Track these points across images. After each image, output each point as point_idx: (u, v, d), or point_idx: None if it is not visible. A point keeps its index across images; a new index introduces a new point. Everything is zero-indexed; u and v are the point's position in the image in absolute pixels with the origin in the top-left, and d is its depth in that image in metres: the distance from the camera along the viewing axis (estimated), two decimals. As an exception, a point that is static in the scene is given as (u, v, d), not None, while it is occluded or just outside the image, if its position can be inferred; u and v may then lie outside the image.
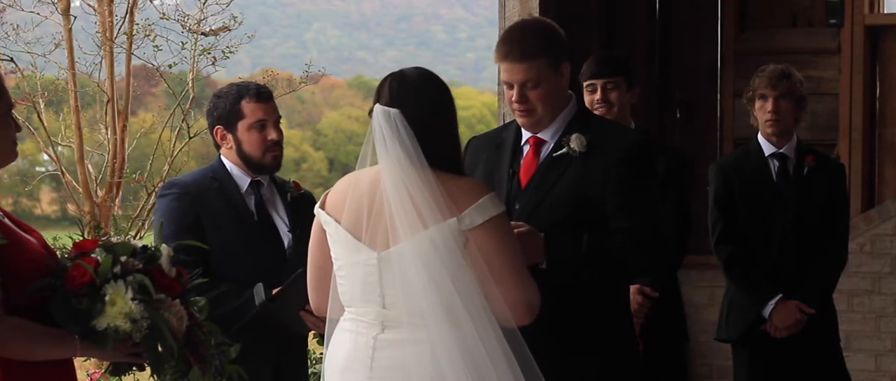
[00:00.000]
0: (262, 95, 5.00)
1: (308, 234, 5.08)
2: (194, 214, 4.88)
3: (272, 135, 4.98)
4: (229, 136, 4.99)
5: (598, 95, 6.09)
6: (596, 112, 6.04)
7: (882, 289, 8.04)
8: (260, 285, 4.80)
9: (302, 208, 5.09)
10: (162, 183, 5.57)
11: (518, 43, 4.30)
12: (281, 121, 5.07)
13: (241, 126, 4.97)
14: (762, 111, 6.16)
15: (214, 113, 5.03)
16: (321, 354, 7.35)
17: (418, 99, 3.87)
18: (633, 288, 5.92)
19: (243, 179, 5.00)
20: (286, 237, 5.01)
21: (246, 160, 4.99)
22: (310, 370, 7.56)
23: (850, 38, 8.43)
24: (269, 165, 5.00)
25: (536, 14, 6.93)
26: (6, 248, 3.71)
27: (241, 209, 4.96)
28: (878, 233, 8.04)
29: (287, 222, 5.04)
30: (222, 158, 5.04)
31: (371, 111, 3.88)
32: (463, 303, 3.76)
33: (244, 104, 4.96)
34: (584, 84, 6.15)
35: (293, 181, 5.18)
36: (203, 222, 4.87)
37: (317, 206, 4.03)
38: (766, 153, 6.22)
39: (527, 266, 3.89)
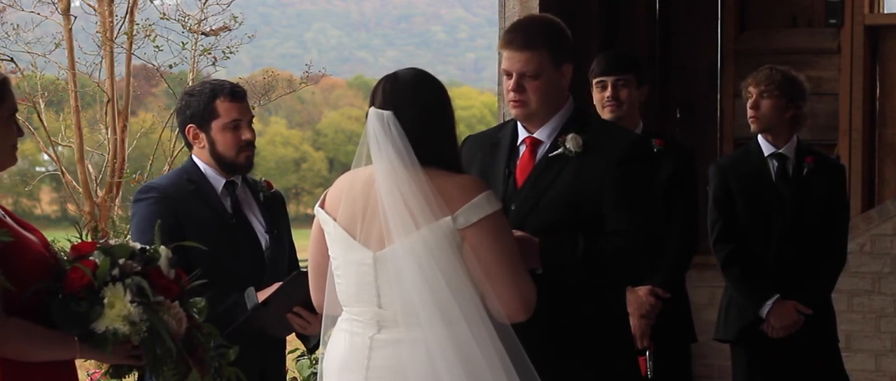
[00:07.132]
0: (237, 94, 4.93)
1: (283, 234, 5.07)
2: (174, 217, 4.78)
3: (246, 135, 4.91)
4: (202, 135, 4.92)
5: (608, 93, 6.01)
6: (605, 110, 6.01)
7: (882, 289, 8.03)
8: (251, 288, 4.76)
9: (274, 207, 5.07)
10: (138, 187, 5.42)
11: (523, 32, 4.31)
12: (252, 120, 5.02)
13: (216, 126, 4.90)
14: (747, 108, 6.19)
15: (187, 112, 4.94)
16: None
17: (412, 101, 3.87)
18: (644, 289, 5.88)
19: (218, 180, 4.94)
20: (264, 238, 4.97)
21: (219, 160, 4.92)
22: (310, 371, 7.58)
23: (850, 38, 8.43)
24: (243, 164, 4.94)
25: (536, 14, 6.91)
26: (7, 247, 3.71)
27: (220, 211, 4.90)
28: (878, 233, 8.03)
29: (263, 223, 5.00)
30: (194, 158, 4.98)
31: (368, 114, 3.89)
32: (457, 303, 3.76)
33: (218, 103, 4.89)
34: (594, 81, 6.08)
35: (265, 180, 5.13)
36: (183, 225, 4.77)
37: (317, 205, 4.03)
38: (766, 153, 6.21)
39: (523, 264, 3.88)
